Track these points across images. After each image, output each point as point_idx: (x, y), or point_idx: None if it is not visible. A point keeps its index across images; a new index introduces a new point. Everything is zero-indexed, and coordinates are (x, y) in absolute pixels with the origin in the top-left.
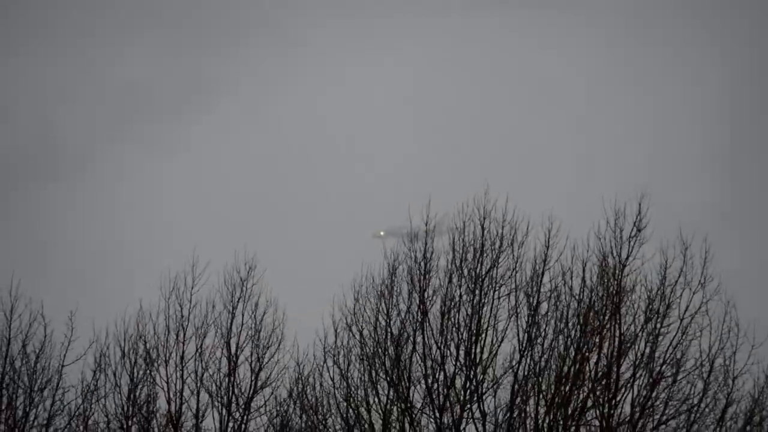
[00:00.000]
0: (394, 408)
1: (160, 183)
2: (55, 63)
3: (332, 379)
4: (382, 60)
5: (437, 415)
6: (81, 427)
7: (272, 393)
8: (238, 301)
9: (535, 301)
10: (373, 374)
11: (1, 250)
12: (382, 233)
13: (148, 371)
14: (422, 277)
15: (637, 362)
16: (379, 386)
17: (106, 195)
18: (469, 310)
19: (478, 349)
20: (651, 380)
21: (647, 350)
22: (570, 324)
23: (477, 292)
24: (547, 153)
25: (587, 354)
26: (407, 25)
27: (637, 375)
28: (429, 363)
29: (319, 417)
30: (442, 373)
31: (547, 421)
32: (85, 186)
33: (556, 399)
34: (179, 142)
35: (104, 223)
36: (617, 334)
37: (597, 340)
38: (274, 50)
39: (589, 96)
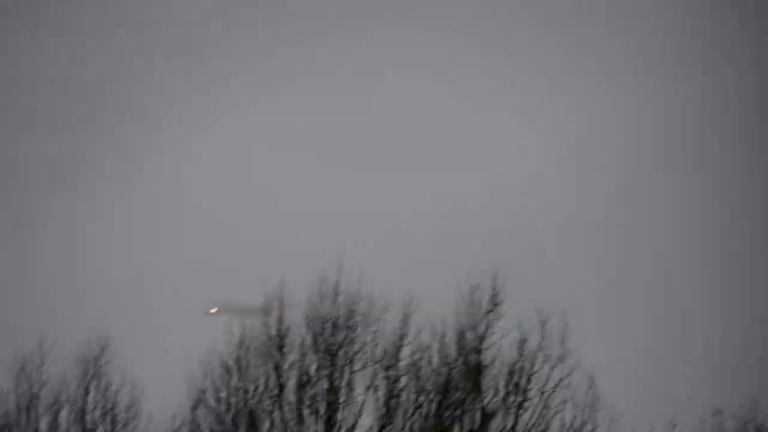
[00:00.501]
0: None
1: (23, 260)
2: None
3: None
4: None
5: None
6: None
7: None
8: (91, 378)
9: (391, 376)
10: None
11: None
12: (214, 309)
13: None
14: (278, 353)
15: None
16: None
17: None
18: (326, 385)
19: (336, 424)
20: None
21: (509, 424)
22: (431, 397)
23: (332, 367)
24: (408, 227)
25: (448, 428)
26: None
27: None
28: None
29: None
30: None
31: None
32: None
33: None
34: (37, 219)
35: None
36: (479, 408)
37: (458, 413)
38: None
39: (455, 162)
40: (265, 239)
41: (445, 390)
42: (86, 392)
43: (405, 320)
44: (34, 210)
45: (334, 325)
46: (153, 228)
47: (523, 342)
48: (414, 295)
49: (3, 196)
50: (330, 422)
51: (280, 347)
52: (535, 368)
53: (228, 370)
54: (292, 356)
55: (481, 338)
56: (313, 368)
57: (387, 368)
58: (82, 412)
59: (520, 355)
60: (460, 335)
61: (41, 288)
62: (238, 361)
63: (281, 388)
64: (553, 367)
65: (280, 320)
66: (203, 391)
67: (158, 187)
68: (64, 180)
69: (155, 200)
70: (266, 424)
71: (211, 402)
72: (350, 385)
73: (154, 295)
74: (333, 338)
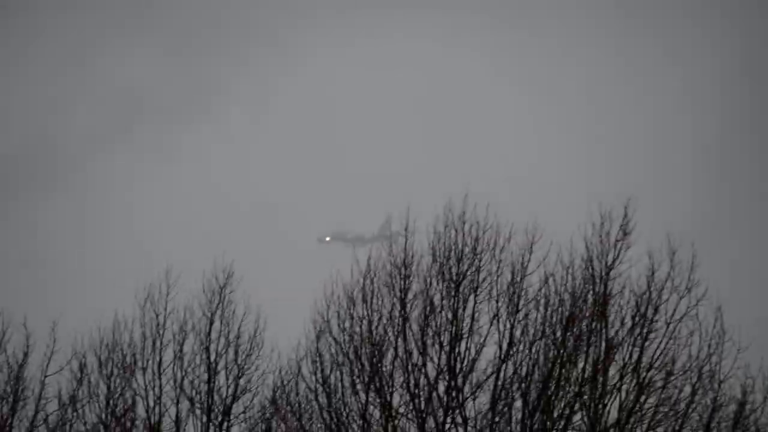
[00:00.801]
0: (376, 413)
1: (154, 190)
2: (53, 67)
3: (313, 386)
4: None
5: (421, 420)
6: None
7: (253, 399)
8: (216, 308)
9: (515, 306)
10: (354, 380)
11: None
12: (328, 238)
13: (125, 379)
14: (402, 282)
15: (624, 366)
16: (360, 391)
17: (99, 202)
18: (450, 315)
19: (460, 354)
20: (638, 385)
21: (635, 355)
22: (555, 328)
23: (457, 296)
24: (534, 155)
25: (573, 358)
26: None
27: (624, 380)
28: (410, 368)
29: (302, 422)
30: (424, 378)
31: (530, 425)
32: (78, 194)
33: (542, 401)
34: (173, 148)
35: (98, 230)
36: (604, 338)
37: (583, 343)
38: (274, 56)
39: (583, 98)
40: (391, 170)
41: (570, 320)
42: (211, 322)
43: (530, 249)
44: (170, 141)
45: (460, 254)
46: (281, 158)
47: (651, 272)
48: (540, 224)
49: (136, 127)
50: (453, 352)
51: (405, 277)
52: (663, 299)
53: (352, 300)
54: (417, 286)
55: (609, 267)
56: (437, 298)
57: (511, 297)
58: (207, 342)
59: (648, 284)
60: (588, 264)
61: (169, 219)
62: (362, 290)
63: (405, 318)
64: (680, 297)
65: (405, 249)
66: (327, 321)
67: (286, 116)
68: (189, 111)
69: (282, 130)
70: (390, 354)
71: (335, 331)
72: (474, 315)
73: (280, 225)
74: (458, 267)
